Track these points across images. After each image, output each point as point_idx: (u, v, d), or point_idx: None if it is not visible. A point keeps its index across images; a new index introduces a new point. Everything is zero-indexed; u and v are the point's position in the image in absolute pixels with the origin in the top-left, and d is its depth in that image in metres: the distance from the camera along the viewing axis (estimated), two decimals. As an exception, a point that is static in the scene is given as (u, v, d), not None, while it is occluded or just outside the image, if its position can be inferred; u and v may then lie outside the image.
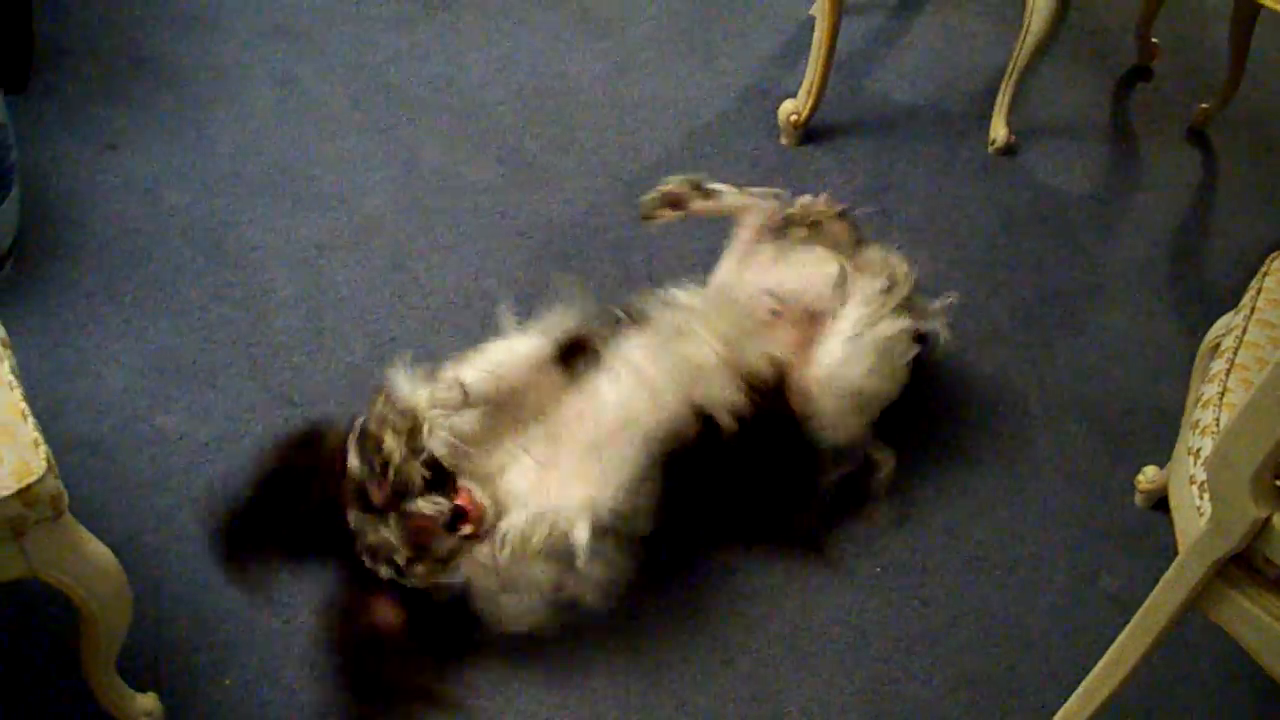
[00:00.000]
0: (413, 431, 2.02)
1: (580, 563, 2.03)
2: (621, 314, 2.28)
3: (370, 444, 2.02)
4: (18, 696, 2.01)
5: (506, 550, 2.02)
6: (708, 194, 2.45)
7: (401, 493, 2.01)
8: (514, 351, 2.18)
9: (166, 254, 2.64)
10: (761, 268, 2.45)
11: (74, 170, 2.77)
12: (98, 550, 1.66)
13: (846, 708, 2.12)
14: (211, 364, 2.46)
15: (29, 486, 1.50)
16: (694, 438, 2.15)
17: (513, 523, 2.04)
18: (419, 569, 2.03)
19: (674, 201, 2.44)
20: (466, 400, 2.09)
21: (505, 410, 2.16)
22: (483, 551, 2.04)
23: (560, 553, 2.03)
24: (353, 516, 2.04)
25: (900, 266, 2.40)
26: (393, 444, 2.01)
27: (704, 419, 2.15)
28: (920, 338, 2.38)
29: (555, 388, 2.18)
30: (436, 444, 2.04)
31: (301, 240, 2.70)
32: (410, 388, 2.08)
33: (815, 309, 2.37)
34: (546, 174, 2.90)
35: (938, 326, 2.42)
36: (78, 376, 2.41)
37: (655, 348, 2.20)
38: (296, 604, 2.15)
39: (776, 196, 2.49)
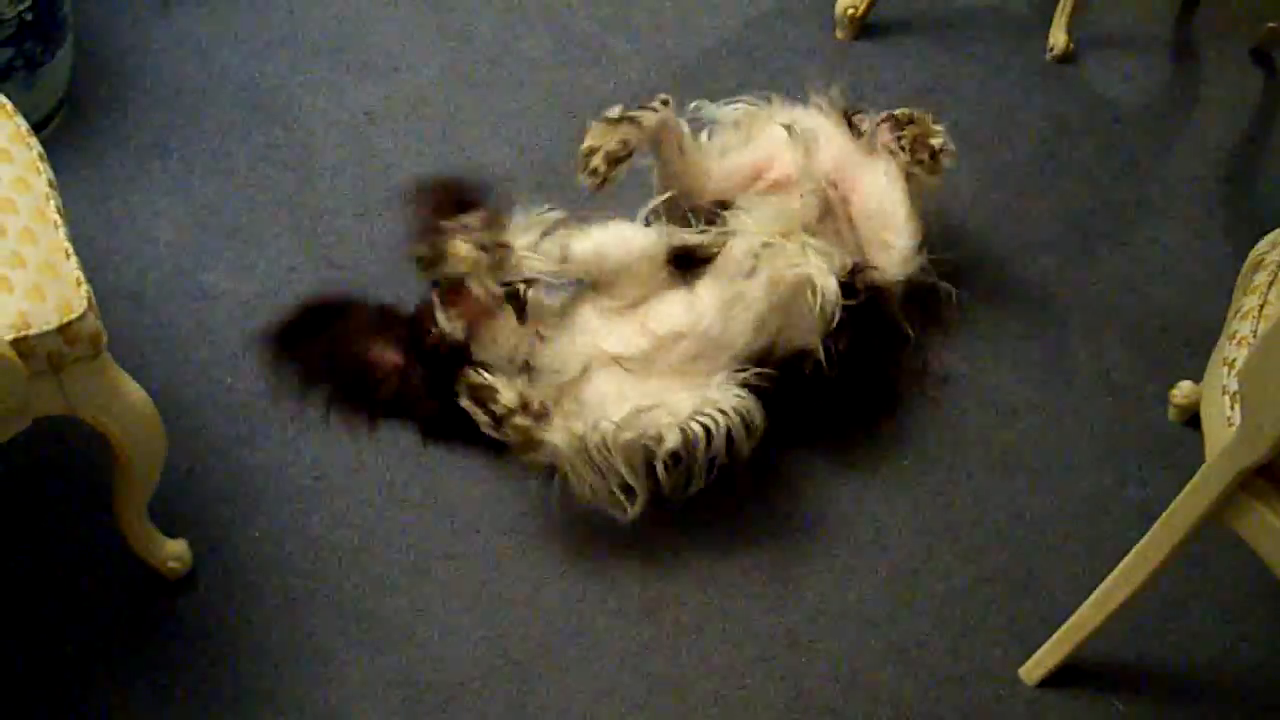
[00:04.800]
0: (497, 259, 2.03)
1: (660, 470, 2.06)
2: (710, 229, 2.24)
3: (439, 245, 2.02)
4: (51, 537, 2.06)
5: (597, 436, 2.03)
6: (634, 123, 2.21)
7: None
8: (629, 239, 2.16)
9: (217, 113, 2.65)
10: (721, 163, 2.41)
11: (127, 26, 2.77)
12: (134, 391, 1.69)
13: (865, 599, 2.14)
14: (256, 224, 2.47)
15: (69, 323, 1.53)
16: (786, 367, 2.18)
17: (611, 415, 2.04)
18: (516, 419, 2.01)
19: (617, 158, 2.18)
20: (564, 262, 2.09)
21: (597, 293, 2.17)
22: (575, 427, 2.04)
23: (643, 453, 2.06)
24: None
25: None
26: (470, 253, 2.01)
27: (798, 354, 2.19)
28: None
29: (657, 288, 2.17)
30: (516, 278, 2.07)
31: (352, 107, 2.70)
32: (519, 222, 2.10)
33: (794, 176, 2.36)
34: (599, 54, 2.88)
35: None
36: (124, 229, 2.43)
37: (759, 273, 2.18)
38: (327, 460, 2.19)
39: (664, 102, 2.30)
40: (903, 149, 2.36)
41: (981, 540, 2.23)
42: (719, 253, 2.18)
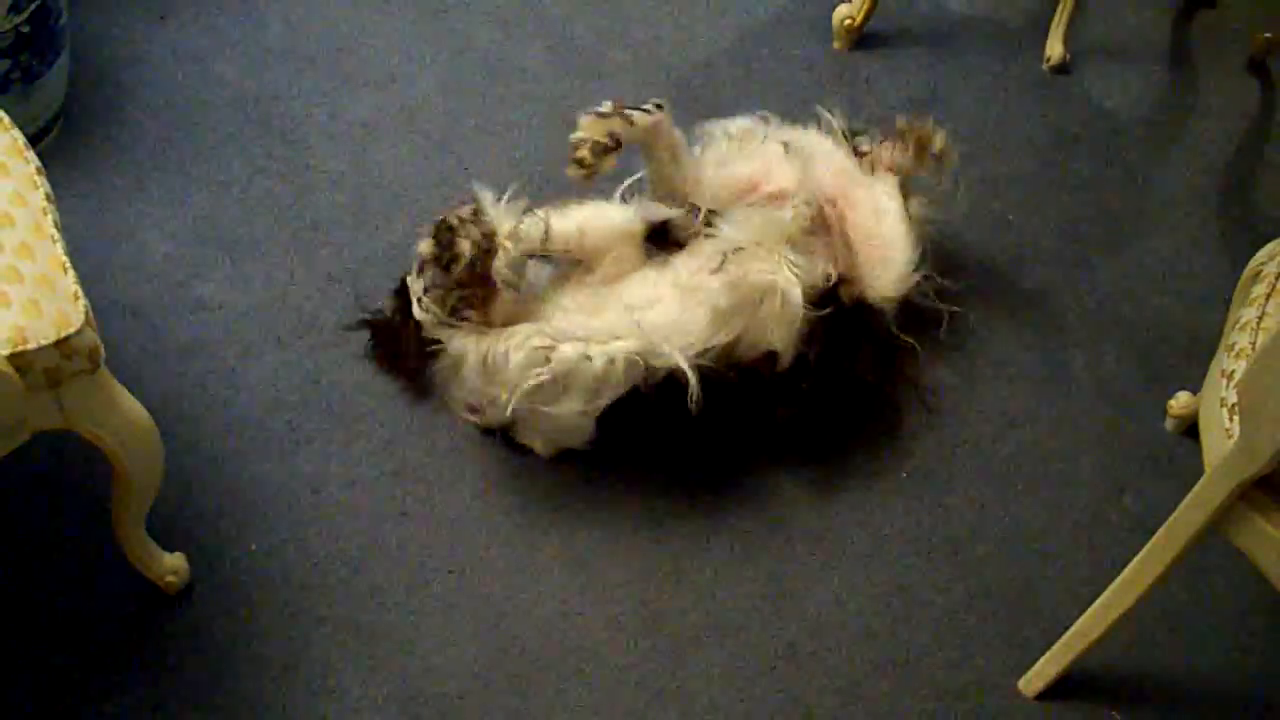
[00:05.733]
0: (485, 249, 2.05)
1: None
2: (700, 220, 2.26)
3: (444, 237, 2.03)
4: (49, 551, 2.05)
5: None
6: (625, 118, 2.21)
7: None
8: (607, 216, 2.19)
9: (213, 125, 2.64)
10: (715, 173, 2.41)
11: (124, 38, 2.77)
12: (132, 406, 1.69)
13: (864, 611, 2.14)
14: (253, 236, 2.47)
15: (67, 338, 1.53)
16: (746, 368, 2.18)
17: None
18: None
19: (605, 149, 2.20)
20: (546, 241, 2.11)
21: (577, 269, 2.19)
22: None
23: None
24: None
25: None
26: (465, 248, 2.03)
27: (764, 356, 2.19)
28: None
29: (633, 264, 2.19)
30: (500, 268, 2.06)
31: (348, 118, 2.70)
32: (497, 211, 2.11)
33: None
34: (597, 65, 2.88)
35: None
36: (121, 242, 2.43)
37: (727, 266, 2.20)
38: (326, 475, 2.18)
39: (659, 105, 2.29)
40: (907, 157, 2.44)
41: (980, 552, 2.23)
42: (696, 233, 2.21)
